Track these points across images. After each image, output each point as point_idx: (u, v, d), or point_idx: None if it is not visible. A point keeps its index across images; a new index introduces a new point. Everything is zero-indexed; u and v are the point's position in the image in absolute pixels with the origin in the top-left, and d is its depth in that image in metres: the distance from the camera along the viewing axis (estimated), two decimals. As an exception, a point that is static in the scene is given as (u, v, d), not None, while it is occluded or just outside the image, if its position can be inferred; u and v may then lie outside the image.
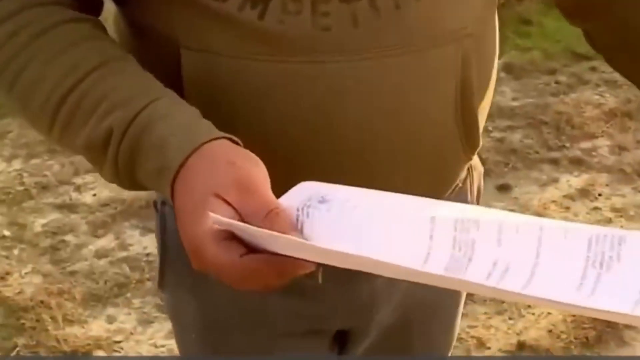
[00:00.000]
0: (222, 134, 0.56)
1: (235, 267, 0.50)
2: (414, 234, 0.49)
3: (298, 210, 0.52)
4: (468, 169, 0.85)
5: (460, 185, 0.84)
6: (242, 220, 0.50)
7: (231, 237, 0.50)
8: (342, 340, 0.89)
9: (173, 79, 0.63)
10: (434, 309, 0.89)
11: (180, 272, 0.81)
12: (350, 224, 0.51)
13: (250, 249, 0.50)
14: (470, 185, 0.86)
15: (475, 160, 0.87)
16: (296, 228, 0.51)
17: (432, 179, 0.75)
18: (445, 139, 0.72)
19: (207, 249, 0.50)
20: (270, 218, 0.50)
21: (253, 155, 0.55)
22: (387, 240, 0.49)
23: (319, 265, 0.74)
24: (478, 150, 0.79)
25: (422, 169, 0.72)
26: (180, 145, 0.55)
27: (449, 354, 0.99)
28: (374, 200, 0.53)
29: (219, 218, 0.49)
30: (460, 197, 0.85)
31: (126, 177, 0.59)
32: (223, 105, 0.64)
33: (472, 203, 0.87)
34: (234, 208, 0.51)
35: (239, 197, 0.51)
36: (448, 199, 0.80)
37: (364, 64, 0.64)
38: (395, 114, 0.67)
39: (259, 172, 0.53)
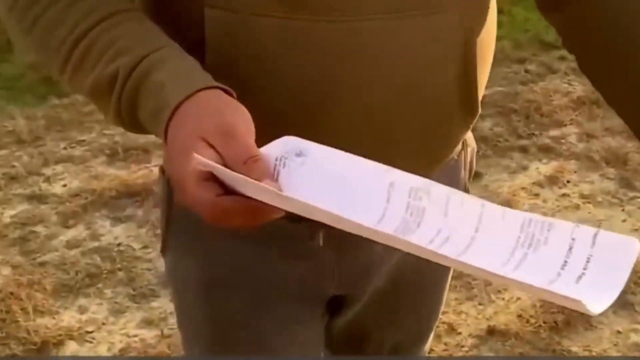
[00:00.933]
0: (216, 84, 0.61)
1: (211, 205, 0.54)
2: (374, 195, 0.54)
3: (276, 160, 0.56)
4: (463, 143, 0.87)
5: (456, 158, 0.86)
6: (224, 164, 0.54)
7: (211, 178, 0.54)
8: (335, 305, 0.91)
9: (196, 39, 0.67)
10: (423, 276, 0.92)
11: (183, 235, 0.85)
12: (320, 179, 0.55)
13: (228, 190, 0.54)
14: (464, 161, 0.88)
15: (470, 136, 0.89)
16: (272, 176, 0.55)
17: (432, 143, 0.76)
18: (446, 103, 0.74)
19: (189, 186, 0.55)
20: (249, 164, 0.54)
21: (241, 106, 0.60)
22: (349, 198, 0.54)
23: (319, 228, 0.77)
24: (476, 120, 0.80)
25: (423, 133, 0.74)
26: (176, 90, 0.59)
27: (434, 326, 1.01)
28: (346, 161, 0.57)
29: (201, 159, 0.53)
30: (454, 170, 0.87)
31: (128, 117, 0.64)
32: (242, 62, 0.68)
33: (464, 178, 0.90)
34: (217, 152, 0.55)
35: (223, 142, 0.56)
36: (444, 170, 0.82)
37: (375, 24, 0.66)
38: (398, 76, 0.69)
39: (244, 122, 0.58)
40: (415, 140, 0.74)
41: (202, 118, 0.57)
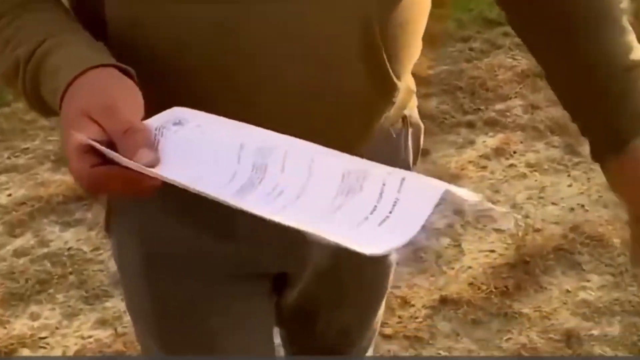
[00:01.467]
0: (111, 62, 0.63)
1: (86, 175, 0.58)
2: (229, 158, 0.57)
3: (156, 130, 0.59)
4: (403, 121, 0.86)
5: (394, 135, 0.85)
6: (108, 138, 0.58)
7: (90, 150, 0.57)
8: (281, 282, 0.91)
9: (98, 23, 0.69)
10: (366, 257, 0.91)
11: (123, 218, 0.86)
12: (189, 146, 0.58)
13: (107, 161, 0.57)
14: (405, 140, 0.88)
15: (413, 114, 0.88)
16: (152, 145, 0.58)
17: (343, 120, 0.76)
18: (351, 78, 0.74)
19: (71, 158, 0.58)
20: (129, 134, 0.57)
21: (131, 83, 0.62)
22: (208, 163, 0.57)
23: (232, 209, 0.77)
24: (399, 95, 0.79)
25: (330, 110, 0.74)
26: (68, 71, 0.62)
27: (382, 304, 1.02)
28: (220, 128, 0.59)
29: (81, 136, 0.57)
30: (393, 149, 0.86)
31: (36, 101, 0.67)
32: (142, 48, 0.69)
33: (406, 159, 0.89)
34: (100, 126, 0.58)
35: (105, 117, 0.59)
36: (379, 148, 0.79)
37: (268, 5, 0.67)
38: (296, 51, 0.70)
39: (131, 99, 0.61)
40: (327, 117, 0.74)
41: (89, 96, 0.60)
